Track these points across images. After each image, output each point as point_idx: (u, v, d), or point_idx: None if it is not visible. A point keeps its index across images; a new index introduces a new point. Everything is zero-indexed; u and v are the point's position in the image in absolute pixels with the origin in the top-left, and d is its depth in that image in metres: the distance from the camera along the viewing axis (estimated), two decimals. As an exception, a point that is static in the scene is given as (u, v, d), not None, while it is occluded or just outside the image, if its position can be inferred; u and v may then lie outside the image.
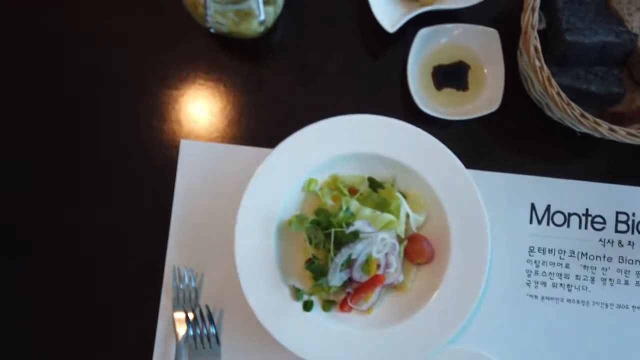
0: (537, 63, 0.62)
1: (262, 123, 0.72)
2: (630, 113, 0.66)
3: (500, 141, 0.73)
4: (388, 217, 0.64)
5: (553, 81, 0.62)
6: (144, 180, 0.71)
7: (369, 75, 0.73)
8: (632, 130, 0.62)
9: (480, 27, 0.71)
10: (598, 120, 0.62)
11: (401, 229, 0.65)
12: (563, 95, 0.62)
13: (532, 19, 0.63)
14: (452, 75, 0.73)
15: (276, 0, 0.65)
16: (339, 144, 0.68)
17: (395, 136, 0.68)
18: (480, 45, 0.72)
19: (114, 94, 0.72)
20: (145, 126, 0.72)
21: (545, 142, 0.73)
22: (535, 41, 0.63)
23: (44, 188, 0.71)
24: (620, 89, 0.66)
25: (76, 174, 0.71)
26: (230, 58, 0.73)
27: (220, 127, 0.72)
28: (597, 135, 0.64)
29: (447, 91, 0.73)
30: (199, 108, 0.72)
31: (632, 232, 0.72)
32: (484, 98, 0.72)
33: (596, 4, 0.68)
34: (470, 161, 0.70)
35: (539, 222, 0.72)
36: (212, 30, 0.58)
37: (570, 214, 0.72)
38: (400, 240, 0.66)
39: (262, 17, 0.58)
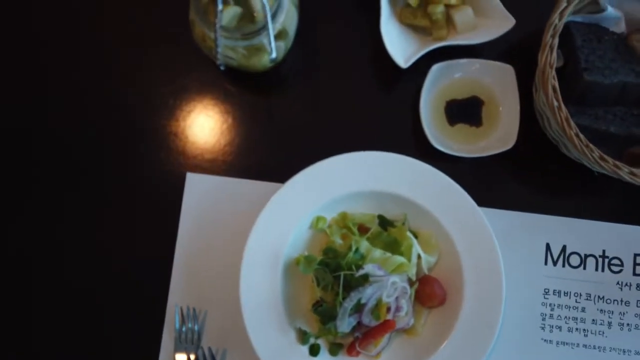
0: (555, 103, 0.60)
1: (271, 156, 0.71)
2: (651, 154, 0.64)
3: (515, 179, 0.71)
4: (399, 259, 0.62)
5: (572, 122, 0.60)
6: (148, 214, 0.69)
7: (381, 109, 0.72)
8: (653, 175, 0.60)
9: (495, 63, 0.69)
10: (618, 163, 0.60)
11: (412, 272, 0.63)
12: (582, 136, 0.60)
13: (550, 58, 0.61)
14: (465, 111, 0.71)
15: (287, 35, 0.63)
16: (348, 181, 0.66)
17: (406, 174, 0.66)
18: (494, 80, 0.70)
19: (122, 125, 0.71)
20: (152, 158, 0.70)
21: (561, 180, 0.71)
22: (553, 80, 0.61)
23: (46, 220, 0.69)
24: (640, 130, 0.64)
25: (80, 205, 0.70)
26: (239, 90, 0.71)
27: (228, 160, 0.71)
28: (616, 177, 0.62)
29: (461, 127, 0.71)
30: (207, 140, 0.71)
31: (651, 276, 0.70)
32: (498, 134, 0.70)
33: (615, 42, 0.66)
34: (484, 199, 0.68)
35: (554, 263, 0.70)
36: (221, 67, 0.57)
37: (586, 256, 0.70)
38: (411, 283, 0.64)
39: (274, 54, 0.56)
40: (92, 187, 0.70)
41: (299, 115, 0.71)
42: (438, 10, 0.68)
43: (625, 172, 0.59)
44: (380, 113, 0.72)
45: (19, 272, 0.69)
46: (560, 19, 0.61)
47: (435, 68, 0.68)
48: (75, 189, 0.70)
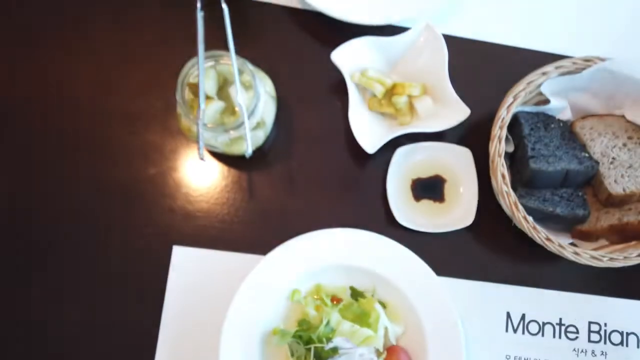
0: (504, 188, 0.67)
1: (252, 230, 0.76)
2: (595, 232, 0.70)
3: (477, 251, 0.77)
4: (367, 332, 0.67)
5: (519, 206, 0.67)
6: (134, 287, 0.74)
7: (352, 188, 0.78)
8: (595, 254, 0.66)
9: (455, 146, 0.77)
10: (562, 244, 0.66)
11: (379, 343, 0.68)
12: (529, 219, 0.67)
13: (498, 148, 0.68)
14: (429, 188, 0.78)
15: (265, 124, 0.71)
16: (322, 255, 0.72)
17: (374, 249, 0.72)
18: (455, 161, 0.77)
19: (109, 201, 0.76)
20: (138, 233, 0.76)
21: (520, 252, 0.77)
22: (502, 168, 0.68)
23: (26, 297, 0.73)
24: (585, 210, 0.70)
25: (66, 278, 0.74)
26: (223, 170, 0.78)
27: (212, 234, 0.76)
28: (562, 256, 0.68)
29: (425, 202, 0.78)
30: (192, 215, 0.77)
31: (605, 342, 0.75)
32: (459, 210, 0.76)
33: (562, 129, 0.74)
34: (448, 270, 0.75)
35: (515, 330, 0.75)
36: (202, 159, 0.64)
37: (544, 323, 0.75)
38: (378, 353, 0.69)
39: (250, 151, 0.63)
40: (80, 261, 0.74)
41: (279, 193, 0.78)
42: (401, 100, 0.75)
43: (569, 252, 0.66)
44: (352, 191, 0.78)
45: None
46: (507, 113, 0.69)
47: (399, 151, 0.76)
48: (62, 263, 0.74)
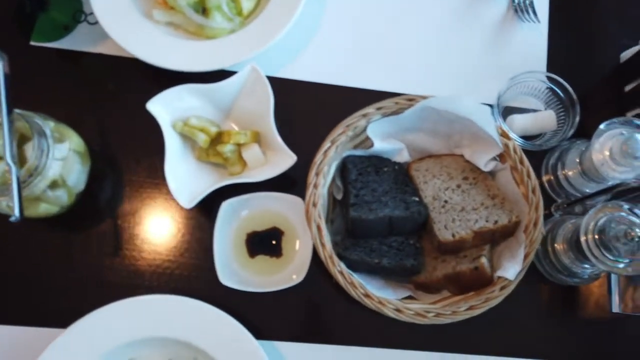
0: (319, 240, 0.61)
1: (58, 300, 0.68)
2: (432, 283, 0.64)
3: (309, 309, 0.70)
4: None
5: (335, 259, 0.61)
6: None
7: (181, 246, 0.72)
8: (421, 310, 0.59)
9: (287, 195, 0.71)
10: (383, 300, 0.60)
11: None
12: (346, 273, 0.60)
13: (314, 197, 0.63)
14: (266, 242, 0.72)
15: (65, 183, 0.65)
16: (135, 327, 0.64)
17: (191, 316, 0.65)
18: (290, 212, 0.71)
19: None
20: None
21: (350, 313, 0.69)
22: (319, 219, 0.62)
23: None
24: (415, 261, 0.64)
25: None
26: (30, 232, 0.71)
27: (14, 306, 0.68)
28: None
29: (261, 258, 0.71)
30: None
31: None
32: (293, 266, 0.70)
33: (396, 172, 0.69)
34: (278, 332, 0.69)
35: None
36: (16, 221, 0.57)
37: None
38: None
39: (17, 213, 0.57)
40: None
41: (95, 255, 0.70)
42: (226, 149, 0.70)
43: (389, 309, 0.59)
44: (180, 250, 0.71)
45: None
46: (324, 158, 0.64)
47: (225, 205, 0.69)
48: None
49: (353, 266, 0.63)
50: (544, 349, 0.72)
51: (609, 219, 0.59)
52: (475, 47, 0.81)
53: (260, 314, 0.69)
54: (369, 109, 0.66)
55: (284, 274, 0.70)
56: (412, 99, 0.66)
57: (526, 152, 0.74)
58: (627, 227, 0.58)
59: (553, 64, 0.82)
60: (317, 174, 0.63)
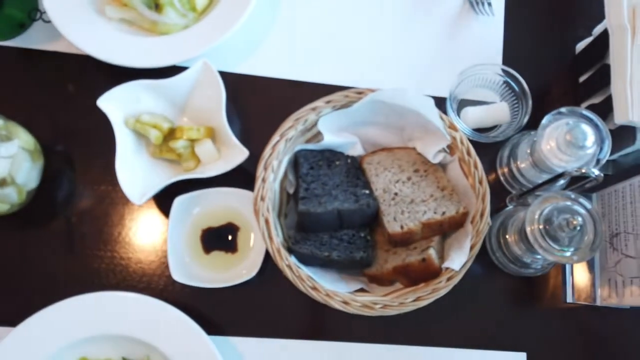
0: (266, 233, 0.61)
1: (10, 299, 0.68)
2: (382, 275, 0.64)
3: (264, 304, 0.70)
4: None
5: (283, 252, 0.61)
6: None
7: (135, 243, 0.71)
8: (369, 302, 0.59)
9: (241, 190, 0.71)
10: (331, 292, 0.60)
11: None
12: (294, 267, 0.60)
13: (262, 191, 0.63)
14: (221, 238, 0.72)
15: (14, 181, 0.65)
16: (85, 324, 0.64)
17: (142, 313, 0.65)
18: (245, 206, 0.71)
19: None
20: None
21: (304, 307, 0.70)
22: (267, 213, 0.62)
23: None
24: (364, 253, 0.64)
25: None
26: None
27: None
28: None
29: (216, 254, 0.71)
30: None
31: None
32: (250, 260, 0.70)
33: (348, 166, 0.69)
34: (231, 328, 0.69)
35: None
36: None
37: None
38: None
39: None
40: None
41: (49, 252, 0.70)
42: (179, 145, 0.70)
43: (336, 302, 0.59)
44: (135, 247, 0.71)
45: None
46: (272, 152, 0.64)
47: (178, 200, 0.69)
48: None
49: (304, 260, 0.63)
50: (502, 340, 0.73)
51: (554, 208, 0.60)
52: (432, 41, 0.82)
53: (216, 310, 0.69)
54: (318, 103, 0.66)
55: (239, 269, 0.70)
56: (361, 92, 0.66)
57: (482, 144, 0.75)
58: (570, 216, 0.59)
59: (509, 56, 0.82)
60: (265, 168, 0.63)
